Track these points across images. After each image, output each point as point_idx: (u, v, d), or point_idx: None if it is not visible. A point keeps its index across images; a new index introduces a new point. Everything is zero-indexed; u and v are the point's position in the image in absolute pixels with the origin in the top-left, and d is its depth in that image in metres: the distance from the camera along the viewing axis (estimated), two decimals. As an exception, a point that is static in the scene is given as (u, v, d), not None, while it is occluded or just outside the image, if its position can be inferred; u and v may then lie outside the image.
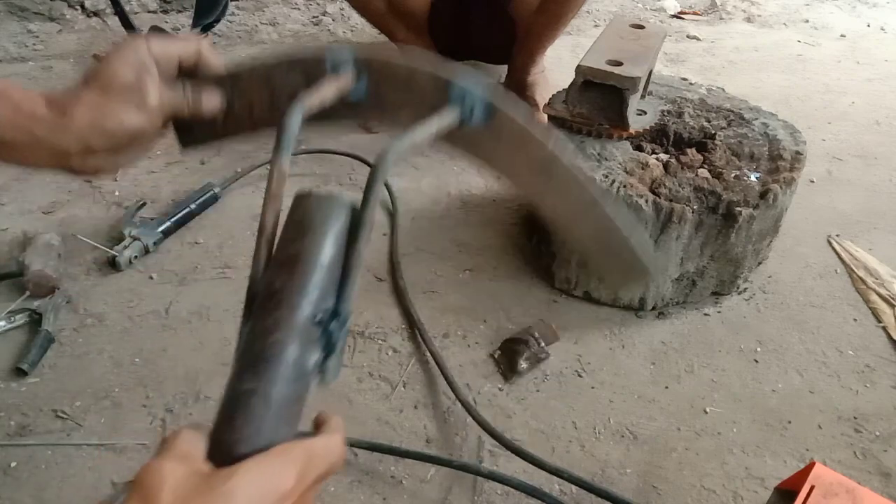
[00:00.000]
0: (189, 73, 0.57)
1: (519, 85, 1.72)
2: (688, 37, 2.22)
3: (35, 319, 1.10)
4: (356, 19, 2.19)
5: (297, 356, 0.39)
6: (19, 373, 1.02)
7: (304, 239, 0.41)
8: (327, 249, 0.41)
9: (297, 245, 0.41)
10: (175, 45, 0.56)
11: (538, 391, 1.04)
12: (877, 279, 1.26)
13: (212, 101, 0.58)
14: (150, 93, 0.54)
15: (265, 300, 0.41)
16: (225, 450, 0.37)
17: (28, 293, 1.13)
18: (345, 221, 0.43)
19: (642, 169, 1.12)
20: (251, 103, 0.58)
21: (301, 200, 0.43)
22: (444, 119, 0.49)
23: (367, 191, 0.43)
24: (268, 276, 0.42)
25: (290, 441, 0.38)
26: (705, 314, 1.19)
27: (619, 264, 0.59)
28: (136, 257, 1.23)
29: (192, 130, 0.59)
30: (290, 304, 0.40)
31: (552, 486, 0.92)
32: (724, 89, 1.36)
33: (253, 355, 0.39)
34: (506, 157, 0.54)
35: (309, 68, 0.54)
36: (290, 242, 0.42)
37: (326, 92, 0.51)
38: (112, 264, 1.21)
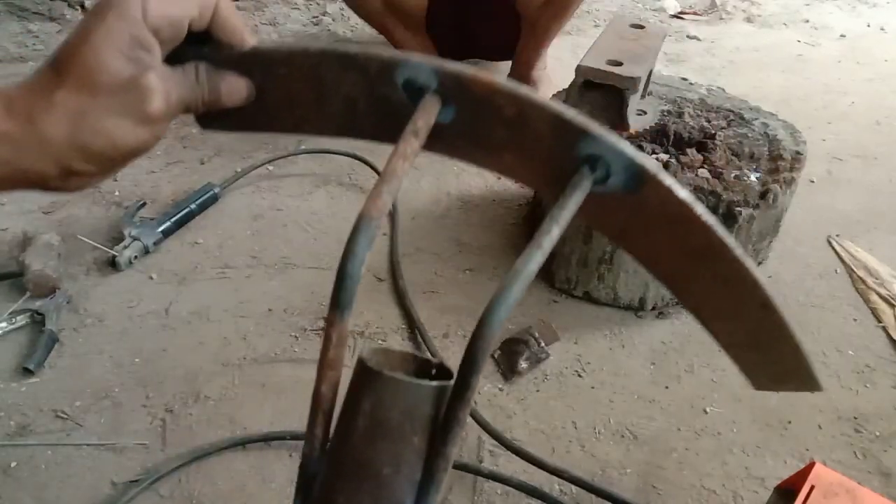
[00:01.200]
0: (201, 38, 0.41)
1: (523, 81, 1.71)
2: (688, 37, 2.22)
3: (37, 320, 1.10)
4: (357, 19, 2.19)
5: None
6: (25, 373, 1.02)
7: (378, 443, 0.33)
8: (409, 459, 0.34)
9: (368, 449, 0.33)
10: (180, 4, 0.39)
11: (538, 391, 1.04)
12: (877, 279, 1.26)
13: (236, 92, 0.43)
14: (154, 96, 0.38)
15: None
16: None
17: (28, 293, 1.13)
18: (431, 413, 0.34)
19: (642, 169, 1.12)
20: (291, 97, 0.44)
21: (373, 381, 0.34)
22: (570, 207, 0.36)
23: (466, 372, 0.32)
24: (329, 481, 0.34)
25: None
26: (705, 314, 1.19)
27: (775, 370, 0.49)
28: (136, 257, 1.23)
29: (213, 113, 0.45)
30: None
31: (552, 486, 0.92)
32: (724, 89, 1.36)
33: None
34: (643, 235, 0.43)
35: (371, 78, 0.41)
36: (358, 440, 0.34)
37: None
38: (112, 264, 1.21)
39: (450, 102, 0.39)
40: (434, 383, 0.34)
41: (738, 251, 0.39)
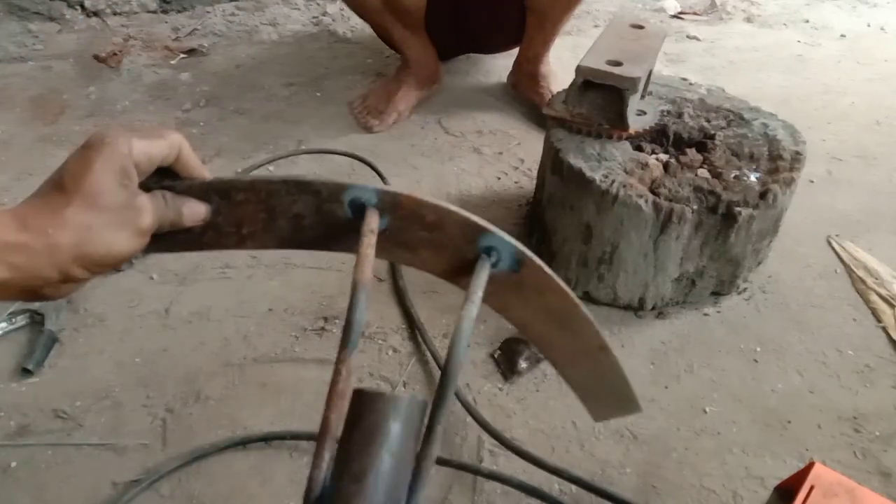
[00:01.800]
0: (165, 173, 0.50)
1: (531, 76, 1.70)
2: (688, 37, 2.22)
3: (36, 320, 1.10)
4: (356, 20, 2.19)
5: None
6: (25, 373, 1.02)
7: (384, 452, 0.40)
8: (408, 461, 0.41)
9: (377, 459, 0.40)
10: (156, 144, 0.48)
11: (538, 391, 1.04)
12: (877, 279, 1.26)
13: (196, 214, 0.51)
14: (146, 213, 0.47)
15: None
16: None
17: (28, 293, 1.13)
18: (419, 424, 0.42)
19: (642, 169, 1.12)
20: (240, 219, 0.52)
21: (377, 403, 0.41)
22: (482, 278, 0.49)
23: (440, 394, 0.43)
24: (342, 492, 0.40)
25: None
26: (705, 314, 1.19)
27: (608, 400, 0.65)
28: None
29: (157, 237, 0.50)
30: None
31: (552, 485, 0.92)
32: (723, 89, 1.36)
33: None
34: (520, 304, 0.55)
35: (322, 199, 0.50)
36: (370, 452, 0.40)
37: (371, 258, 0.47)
38: (112, 264, 1.21)
39: (385, 214, 0.50)
40: (422, 398, 0.42)
41: (584, 309, 0.55)
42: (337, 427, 0.40)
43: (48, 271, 0.43)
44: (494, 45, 1.85)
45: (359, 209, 0.50)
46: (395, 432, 0.40)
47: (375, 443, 0.40)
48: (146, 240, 0.48)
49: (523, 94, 1.74)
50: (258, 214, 0.51)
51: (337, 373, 0.41)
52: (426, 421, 0.42)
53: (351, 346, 0.42)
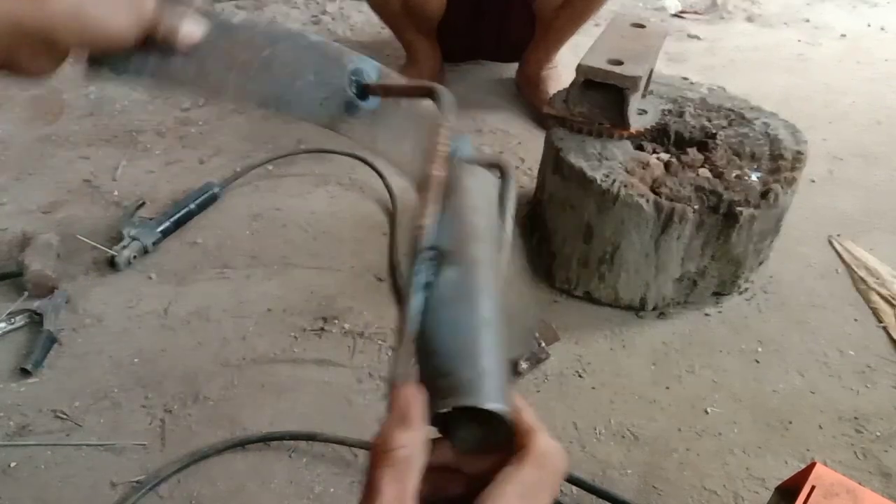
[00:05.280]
0: None
1: (531, 80, 1.73)
2: (688, 36, 2.22)
3: (35, 320, 1.10)
4: (355, 18, 2.19)
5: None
6: (23, 373, 1.02)
7: (478, 213, 0.47)
8: (494, 225, 0.49)
9: (475, 217, 0.46)
10: None
11: (538, 392, 1.04)
12: (878, 279, 1.26)
13: (191, 34, 0.44)
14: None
15: (464, 265, 0.44)
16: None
17: (27, 293, 1.12)
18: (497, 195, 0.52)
19: (643, 168, 1.12)
20: (232, 61, 0.46)
21: (464, 168, 0.49)
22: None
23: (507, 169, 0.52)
24: (455, 240, 0.45)
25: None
26: (706, 314, 1.19)
27: None
28: (135, 257, 1.22)
29: (134, 54, 0.45)
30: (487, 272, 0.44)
31: (552, 486, 0.91)
32: (724, 89, 1.35)
33: (468, 323, 0.42)
34: None
35: (325, 62, 0.49)
36: (468, 208, 0.47)
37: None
38: (111, 264, 1.21)
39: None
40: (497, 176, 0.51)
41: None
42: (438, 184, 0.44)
43: (31, 25, 0.40)
44: (503, 55, 1.87)
45: (358, 85, 0.50)
46: (485, 200, 0.49)
47: (472, 208, 0.47)
48: (139, 30, 0.43)
49: (525, 95, 1.76)
50: (254, 60, 0.47)
51: (437, 137, 0.45)
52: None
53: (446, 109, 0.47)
